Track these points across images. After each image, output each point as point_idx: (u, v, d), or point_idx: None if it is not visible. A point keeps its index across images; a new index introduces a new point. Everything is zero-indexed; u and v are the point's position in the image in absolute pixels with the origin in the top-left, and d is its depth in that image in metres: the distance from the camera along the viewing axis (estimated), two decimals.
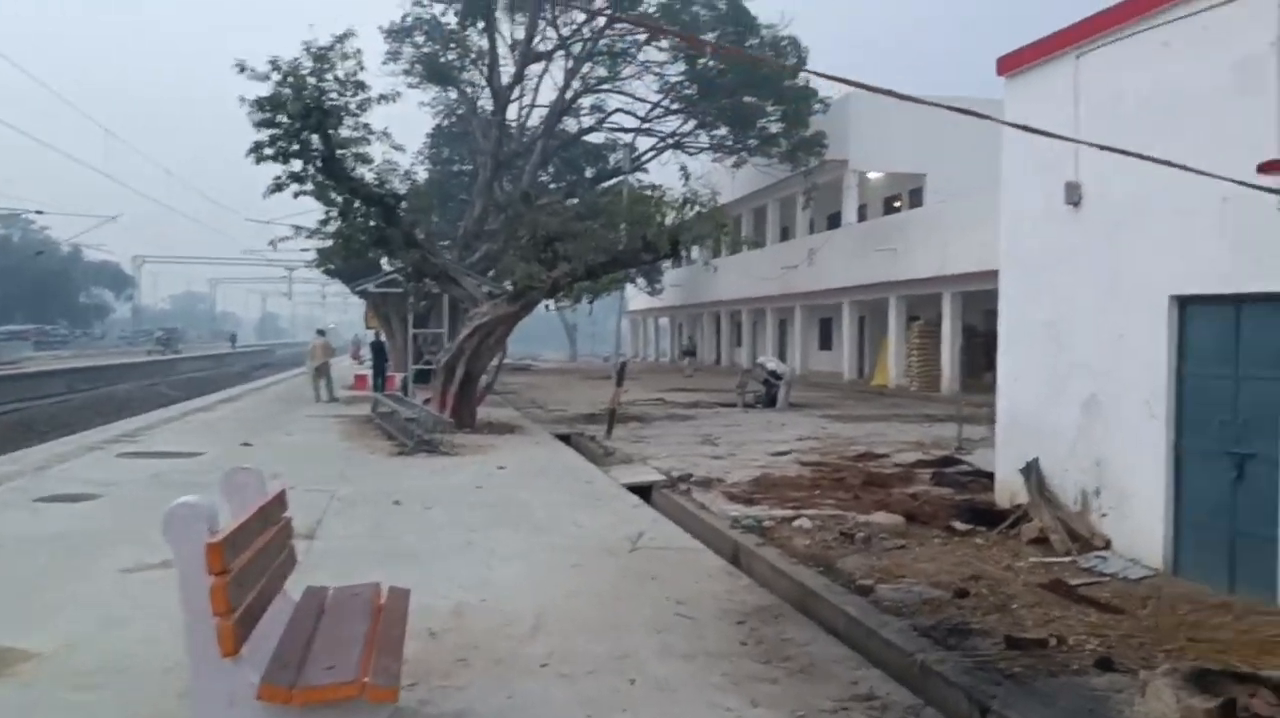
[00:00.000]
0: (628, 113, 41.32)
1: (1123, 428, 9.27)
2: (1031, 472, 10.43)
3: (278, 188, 19.92)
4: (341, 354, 50.32)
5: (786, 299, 42.34)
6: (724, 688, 5.81)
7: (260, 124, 18.87)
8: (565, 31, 37.87)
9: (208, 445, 17.07)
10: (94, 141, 64.68)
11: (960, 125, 35.06)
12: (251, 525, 4.66)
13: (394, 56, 39.18)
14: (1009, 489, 10.96)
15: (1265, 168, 7.06)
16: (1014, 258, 11.15)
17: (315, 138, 19.12)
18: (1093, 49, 9.63)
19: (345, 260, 27.84)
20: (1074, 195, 9.91)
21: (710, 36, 37.53)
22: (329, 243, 26.31)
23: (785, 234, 45.78)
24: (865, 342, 39.50)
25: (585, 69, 39.08)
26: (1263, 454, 7.83)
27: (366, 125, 19.90)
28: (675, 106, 40.60)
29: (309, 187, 20.49)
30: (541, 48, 37.27)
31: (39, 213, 71.81)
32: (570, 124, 41.64)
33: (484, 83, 37.88)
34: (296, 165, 19.57)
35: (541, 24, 36.40)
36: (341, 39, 19.62)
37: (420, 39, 39.07)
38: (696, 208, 20.04)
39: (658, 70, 39.79)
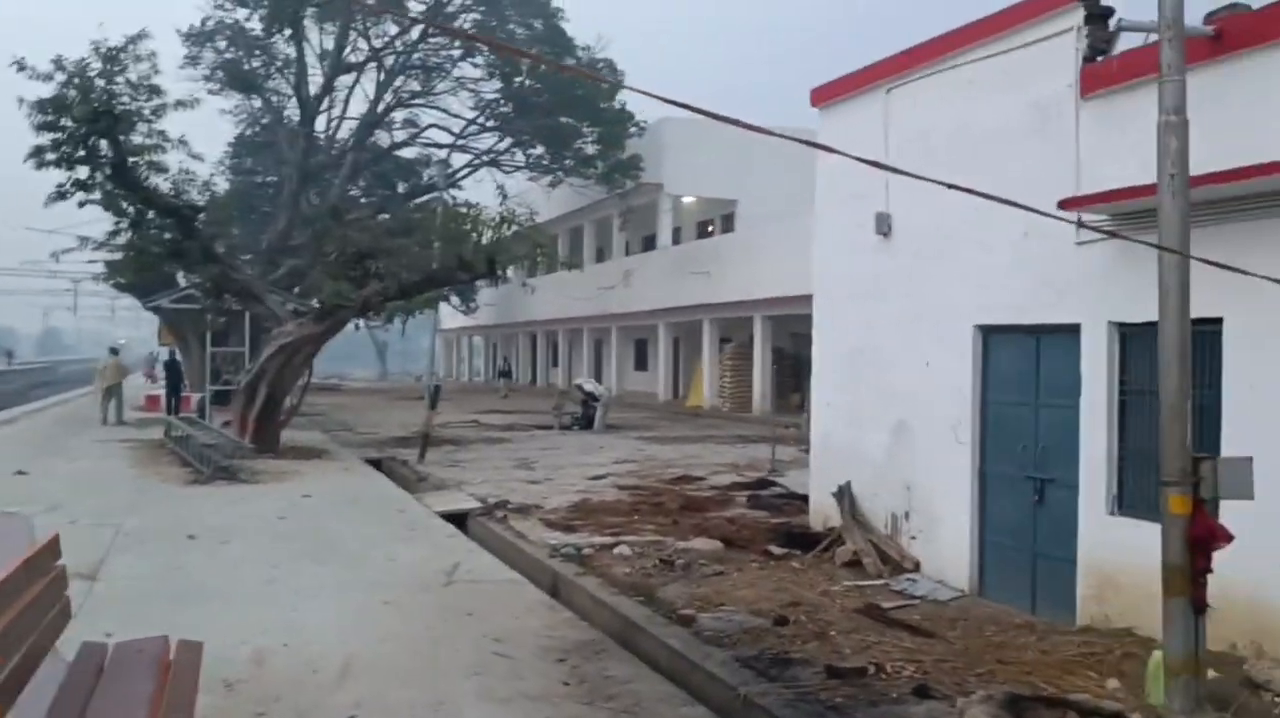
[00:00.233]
0: (442, 129, 40.62)
1: (931, 453, 9.56)
2: (844, 495, 10.64)
3: (61, 196, 18.53)
4: (136, 372, 47.23)
5: (602, 320, 42.47)
6: None
7: (42, 127, 17.48)
8: (377, 43, 36.90)
9: None
10: None
11: (771, 154, 36.08)
12: (13, 582, 4.11)
13: (193, 61, 37.27)
14: (823, 512, 11.15)
15: (1066, 204, 7.38)
16: (827, 285, 11.38)
17: (104, 144, 17.88)
18: (902, 84, 9.94)
19: (137, 274, 26.17)
20: (884, 226, 10.19)
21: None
22: (119, 255, 24.67)
23: (601, 255, 45.99)
24: (680, 363, 40.02)
25: (398, 82, 38.19)
26: (1061, 479, 8.19)
27: (162, 132, 18.74)
28: (491, 124, 40.16)
29: (96, 195, 19.14)
30: (352, 58, 36.20)
31: None
32: (382, 138, 40.59)
33: (291, 92, 36.48)
34: (83, 172, 18.27)
35: (353, 34, 35.38)
36: (134, 40, 18.45)
37: (222, 44, 37.31)
38: (514, 227, 19.75)
39: (473, 87, 39.29)
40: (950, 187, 5.43)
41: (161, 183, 19.19)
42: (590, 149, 37.41)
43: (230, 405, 20.97)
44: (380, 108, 37.53)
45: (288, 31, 33.65)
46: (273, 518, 12.41)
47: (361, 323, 39.27)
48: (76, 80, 17.54)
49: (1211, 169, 6.11)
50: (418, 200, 40.72)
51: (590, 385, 28.35)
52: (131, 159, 18.22)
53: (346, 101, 37.67)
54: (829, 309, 11.36)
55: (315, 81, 34.79)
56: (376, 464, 18.77)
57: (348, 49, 35.36)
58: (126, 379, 28.67)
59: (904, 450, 9.91)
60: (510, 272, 29.98)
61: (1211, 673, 6.04)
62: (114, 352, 29.42)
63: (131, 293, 36.62)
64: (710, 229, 42.17)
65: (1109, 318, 7.67)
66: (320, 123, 36.11)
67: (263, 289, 22.25)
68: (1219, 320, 6.65)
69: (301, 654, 6.84)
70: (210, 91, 37.40)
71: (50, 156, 17.63)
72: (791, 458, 18.01)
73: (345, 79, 36.46)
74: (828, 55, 46.65)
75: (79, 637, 5.39)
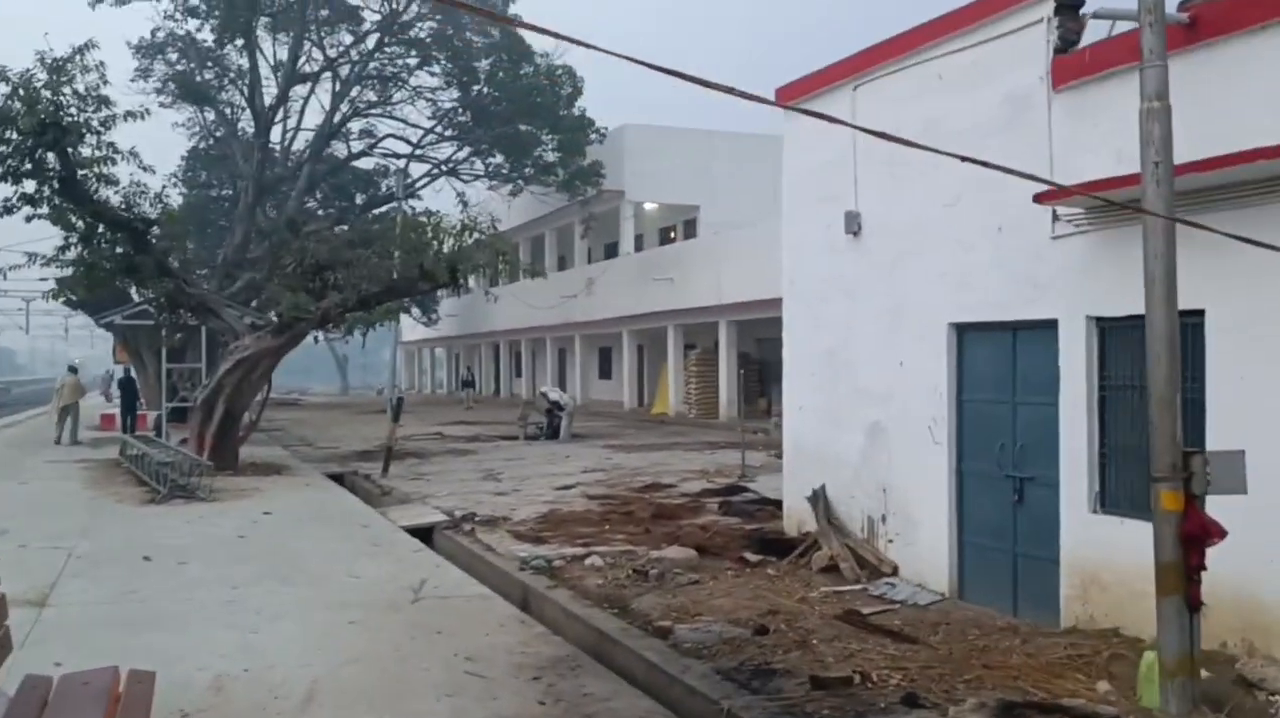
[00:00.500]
0: (400, 138, 40.22)
1: (907, 454, 9.40)
2: (819, 499, 10.45)
3: (7, 211, 18.01)
4: (94, 391, 46.29)
5: (566, 329, 42.18)
6: None
7: None
8: (332, 53, 36.50)
9: None
10: None
11: (732, 159, 36.19)
12: None
13: (144, 74, 36.66)
14: (797, 517, 10.96)
15: (1041, 198, 7.25)
16: (797, 286, 11.21)
17: (52, 156, 17.39)
18: (870, 80, 9.80)
19: (89, 290, 25.54)
20: (853, 225, 10.04)
21: (484, 63, 37.07)
22: (70, 271, 24.08)
23: (563, 263, 45.70)
24: (645, 370, 39.80)
25: (354, 92, 37.75)
26: (1041, 478, 8.04)
27: (111, 144, 18.26)
28: (449, 133, 39.82)
29: (44, 210, 18.61)
30: (307, 69, 35.75)
31: None
32: (339, 149, 40.13)
33: (245, 104, 35.95)
34: (30, 186, 17.76)
35: (307, 44, 34.94)
36: (82, 50, 17.98)
37: (174, 56, 36.72)
38: (476, 234, 19.45)
39: (430, 96, 38.96)
40: (963, 159, 5.19)
41: (112, 196, 18.72)
42: (550, 156, 37.17)
43: (187, 423, 20.47)
44: (336, 118, 37.09)
45: (240, 42, 33.17)
46: (232, 537, 12.04)
47: (321, 336, 38.71)
48: (21, 92, 17.06)
49: (1187, 159, 5.98)
50: (376, 211, 40.30)
51: (555, 394, 28.05)
52: (80, 172, 17.75)
53: (302, 112, 37.29)
54: (799, 311, 11.19)
55: (270, 93, 34.37)
56: (339, 479, 18.38)
57: (302, 59, 34.95)
58: (84, 398, 28.06)
59: (879, 452, 9.75)
60: (472, 281, 29.62)
61: (1203, 673, 5.89)
62: (72, 370, 28.74)
63: (84, 310, 35.87)
64: (673, 235, 42.05)
65: (1087, 312, 7.54)
66: (275, 134, 35.68)
67: (219, 303, 21.78)
68: (1201, 313, 6.53)
69: (263, 680, 6.53)
70: (162, 105, 36.87)
71: None
72: (762, 463, 17.85)
73: (300, 89, 36.08)
74: (800, 58, 46.76)
75: (25, 668, 5.08)
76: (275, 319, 20.02)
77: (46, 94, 17.18)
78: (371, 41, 36.53)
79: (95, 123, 17.82)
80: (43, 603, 8.63)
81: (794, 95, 10.98)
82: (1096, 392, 7.56)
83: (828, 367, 10.54)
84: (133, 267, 19.40)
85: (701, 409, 32.92)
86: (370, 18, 35.83)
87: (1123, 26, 7.59)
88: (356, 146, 40.79)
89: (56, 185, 17.75)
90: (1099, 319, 7.51)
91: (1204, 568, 5.47)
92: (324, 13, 34.98)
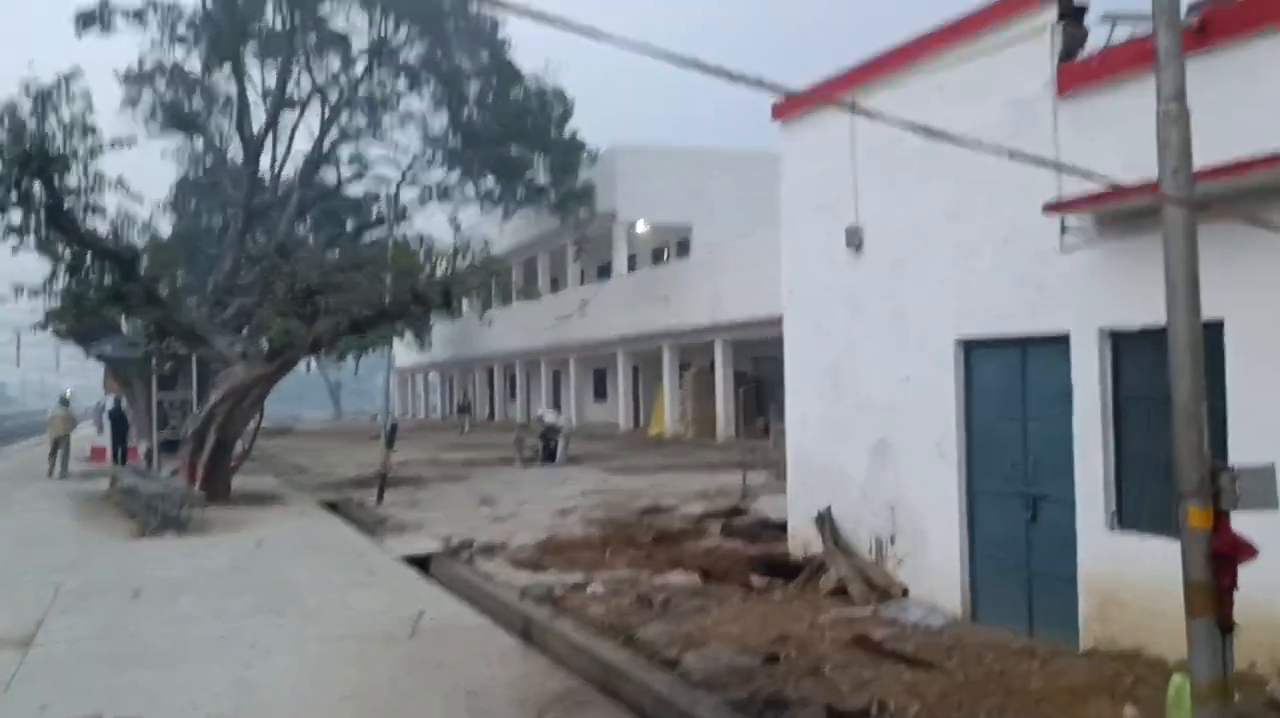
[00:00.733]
0: (390, 163, 40.08)
1: (914, 472, 9.19)
2: (824, 520, 10.23)
3: None
4: (86, 422, 45.82)
5: (560, 351, 41.97)
6: None
7: None
8: (321, 78, 36.35)
9: None
10: None
11: (724, 177, 36.03)
12: None
13: (132, 103, 36.49)
14: (802, 539, 10.73)
15: (1051, 208, 7.08)
16: (797, 302, 11.02)
17: (38, 186, 17.20)
18: (868, 93, 9.62)
19: (78, 320, 25.34)
20: (854, 238, 9.87)
21: (473, 86, 36.96)
22: (58, 302, 23.85)
23: (556, 285, 45.53)
24: (640, 391, 39.57)
25: (343, 118, 37.58)
26: (1054, 494, 7.84)
27: (98, 173, 18.10)
28: (440, 157, 39.66)
29: (31, 240, 18.42)
30: (295, 95, 35.57)
31: None
32: (329, 174, 39.93)
33: (233, 131, 35.77)
34: (16, 217, 17.58)
35: (295, 70, 34.78)
36: (67, 79, 17.86)
37: (161, 85, 36.56)
38: (469, 257, 19.28)
39: (419, 121, 38.83)
40: (1011, 155, 4.97)
41: (99, 225, 18.57)
42: (542, 178, 37.02)
43: (179, 453, 20.20)
44: (326, 144, 36.91)
45: (227, 69, 33.03)
46: (224, 569, 11.78)
47: (313, 363, 38.42)
48: (6, 121, 16.93)
49: (1197, 165, 5.80)
50: (368, 236, 40.11)
51: (551, 417, 27.79)
52: (67, 202, 17.57)
53: (291, 139, 37.03)
54: (800, 326, 10.99)
55: (258, 119, 34.15)
56: (333, 508, 18.09)
57: (290, 85, 34.75)
58: (76, 430, 27.77)
59: (886, 471, 9.54)
60: (465, 305, 29.44)
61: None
62: (64, 402, 28.45)
63: (73, 340, 35.58)
64: (665, 255, 41.92)
65: (1099, 324, 7.35)
66: (265, 161, 35.43)
67: (209, 330, 21.55)
68: (1220, 323, 6.34)
69: None
70: (150, 134, 36.71)
71: None
72: (762, 483, 17.60)
73: (289, 116, 35.87)
74: (799, 60, 46.68)
75: (10, 713, 4.84)
76: (266, 346, 19.78)
77: (32, 123, 17.05)
78: (360, 67, 36.44)
79: (81, 152, 17.68)
80: (30, 641, 8.40)
81: (791, 109, 10.85)
82: (1111, 405, 7.36)
83: (830, 382, 10.34)
84: (121, 295, 19.21)
85: (698, 429, 32.66)
86: (358, 43, 35.75)
87: (1122, 33, 7.49)
88: (346, 172, 40.59)
89: (43, 215, 17.58)
90: (1112, 331, 7.32)
91: (1235, 587, 5.25)
92: (312, 39, 34.88)
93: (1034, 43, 7.82)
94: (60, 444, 25.58)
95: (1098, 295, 7.35)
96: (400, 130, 38.98)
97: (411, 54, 36.49)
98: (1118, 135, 7.03)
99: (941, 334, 8.80)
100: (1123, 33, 7.56)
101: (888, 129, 9.30)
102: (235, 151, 36.58)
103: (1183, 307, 5.26)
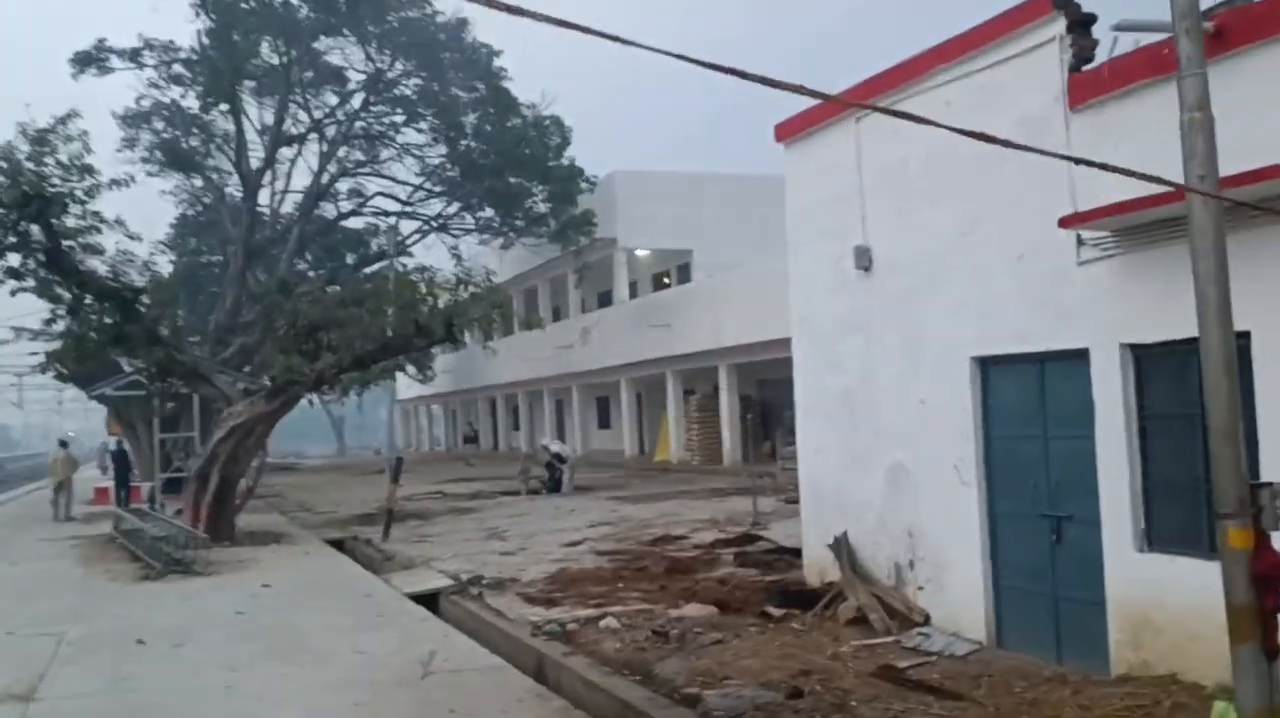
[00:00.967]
0: (389, 196, 39.97)
1: (933, 495, 8.98)
2: (841, 547, 10.01)
3: None
4: (90, 463, 45.59)
5: (563, 379, 41.77)
6: None
7: None
8: (318, 114, 36.40)
9: None
10: None
11: (723, 201, 35.93)
12: None
13: (130, 144, 36.53)
14: (819, 566, 10.51)
15: (1066, 222, 6.91)
16: (807, 326, 10.85)
17: (36, 228, 17.07)
18: (873, 112, 9.49)
19: (79, 362, 25.22)
20: (864, 260, 9.71)
21: (470, 118, 36.98)
22: (58, 344, 23.75)
23: (557, 314, 45.39)
24: (644, 418, 39.33)
25: (341, 152, 37.59)
26: (1079, 515, 7.62)
27: (96, 213, 17.99)
28: (438, 189, 39.62)
29: (30, 283, 18.30)
30: (293, 130, 35.59)
31: None
32: (328, 209, 39.89)
33: (231, 168, 35.77)
34: (14, 259, 17.46)
35: (292, 106, 34.81)
36: (64, 120, 17.78)
37: (159, 124, 36.61)
38: (471, 288, 19.13)
39: (417, 153, 38.80)
40: (1070, 159, 4.79)
41: (99, 265, 18.48)
42: (541, 207, 36.95)
43: (182, 493, 19.98)
44: (324, 179, 36.89)
45: (225, 107, 33.05)
46: (230, 614, 11.55)
47: (316, 399, 38.25)
48: (3, 164, 16.83)
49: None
50: (368, 270, 40.03)
51: (556, 446, 27.58)
52: (65, 242, 17.46)
53: (289, 175, 37.06)
54: (810, 350, 10.81)
55: (256, 156, 34.15)
56: (339, 545, 17.87)
57: (288, 121, 34.77)
58: (79, 472, 27.55)
59: (904, 495, 9.32)
60: (468, 336, 29.28)
61: None
62: (63, 444, 28.22)
63: (74, 383, 35.45)
64: (666, 281, 41.80)
65: (1120, 340, 7.17)
66: (263, 197, 35.41)
67: (211, 369, 21.39)
68: (1246, 334, 6.15)
69: None
70: (149, 174, 36.73)
71: None
72: (773, 509, 17.38)
73: (287, 152, 35.88)
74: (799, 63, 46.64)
75: None
76: (269, 383, 19.61)
77: (29, 165, 16.95)
78: (357, 101, 36.49)
79: (79, 192, 17.58)
80: (29, 697, 8.17)
81: (795, 130, 10.73)
82: (1136, 422, 7.16)
83: (844, 407, 10.14)
84: (122, 336, 19.04)
85: (704, 455, 32.40)
86: (355, 77, 35.81)
87: (1125, 43, 7.35)
88: (345, 206, 40.55)
89: (42, 258, 17.47)
90: (1133, 346, 7.13)
91: None
92: (308, 75, 34.94)
93: (1041, 56, 7.68)
94: (63, 487, 25.36)
95: (1117, 309, 7.17)
96: (399, 163, 39.02)
97: (408, 86, 36.57)
98: (1134, 146, 6.86)
99: (957, 354, 8.61)
100: (1126, 42, 7.44)
101: (894, 149, 9.21)
102: (234, 188, 36.60)
103: (1215, 323, 5.10)
